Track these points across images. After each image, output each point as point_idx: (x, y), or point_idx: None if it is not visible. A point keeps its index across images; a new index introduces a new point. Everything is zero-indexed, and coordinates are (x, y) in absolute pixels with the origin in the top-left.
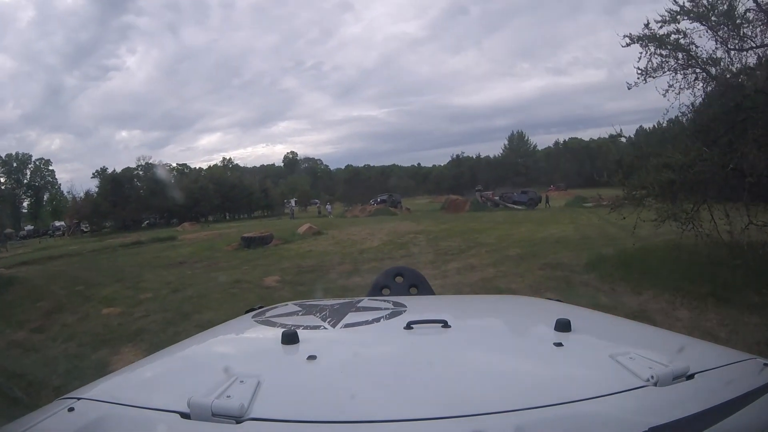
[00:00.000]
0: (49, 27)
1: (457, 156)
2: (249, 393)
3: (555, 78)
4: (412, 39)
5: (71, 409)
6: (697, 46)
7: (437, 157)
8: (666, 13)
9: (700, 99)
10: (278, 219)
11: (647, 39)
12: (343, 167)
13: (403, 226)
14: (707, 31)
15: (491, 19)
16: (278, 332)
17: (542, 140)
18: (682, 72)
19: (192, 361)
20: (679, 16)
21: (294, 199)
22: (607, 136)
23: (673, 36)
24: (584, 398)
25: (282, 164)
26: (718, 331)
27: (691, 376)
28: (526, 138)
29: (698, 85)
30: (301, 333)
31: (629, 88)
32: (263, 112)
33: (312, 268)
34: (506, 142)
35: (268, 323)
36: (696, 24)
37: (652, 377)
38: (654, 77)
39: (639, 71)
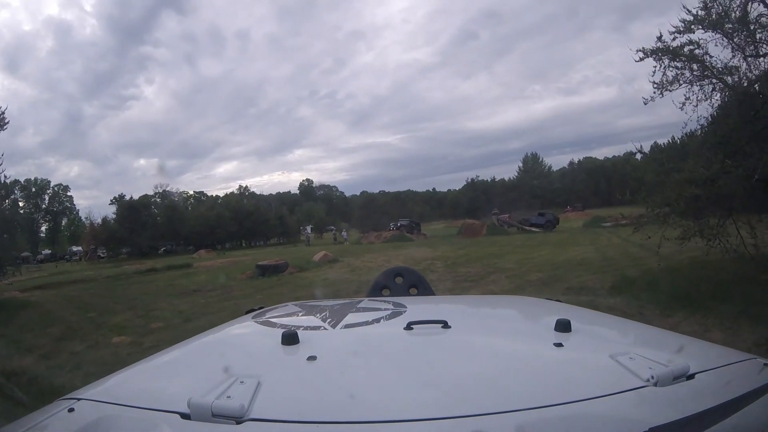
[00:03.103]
0: (68, 56)
1: (472, 180)
2: (249, 393)
3: (566, 98)
4: (423, 66)
5: (71, 410)
6: (711, 56)
7: (452, 182)
8: (680, 24)
9: (718, 110)
10: (294, 246)
11: (661, 52)
12: (358, 194)
13: (419, 252)
14: (722, 39)
15: (501, 43)
16: (278, 333)
17: (556, 161)
18: (698, 84)
19: (192, 362)
20: (693, 26)
21: (310, 226)
22: (621, 154)
23: (687, 47)
24: (584, 398)
25: (298, 191)
26: (756, 351)
27: (691, 377)
28: (540, 159)
29: (715, 96)
30: (301, 333)
31: (645, 103)
32: (279, 141)
33: (327, 297)
34: (521, 164)
35: (268, 324)
36: (710, 33)
37: (652, 377)
38: (670, 90)
39: (654, 85)
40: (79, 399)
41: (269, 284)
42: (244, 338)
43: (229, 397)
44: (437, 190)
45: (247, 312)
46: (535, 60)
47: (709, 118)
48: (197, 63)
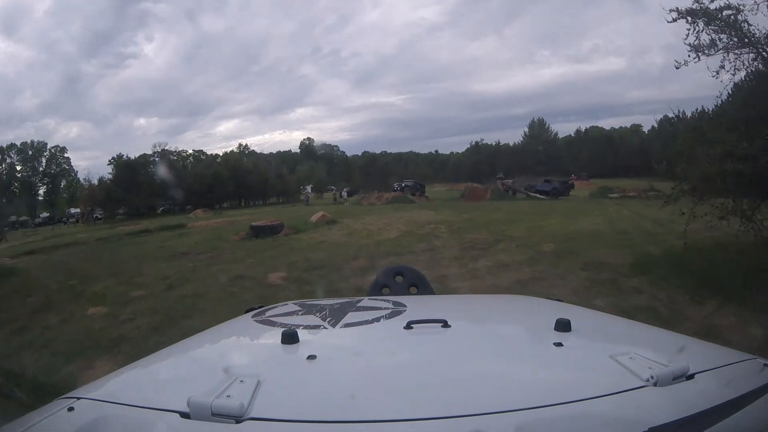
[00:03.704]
0: (66, 16)
1: (476, 143)
2: (249, 393)
3: (575, 66)
4: (430, 25)
5: (71, 409)
6: (749, 24)
7: (455, 145)
8: None
9: (756, 81)
10: (293, 206)
11: (697, 14)
12: (360, 154)
13: (422, 216)
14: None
15: (512, 5)
16: (278, 332)
17: (562, 128)
18: (736, 51)
19: (192, 361)
20: None
21: (310, 185)
22: (628, 126)
23: (725, 11)
24: (584, 398)
25: (299, 150)
26: None
27: (691, 376)
28: (546, 125)
29: (756, 65)
30: (301, 333)
31: (677, 68)
32: (281, 99)
33: (322, 263)
34: (526, 130)
35: (268, 323)
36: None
37: (652, 377)
38: (708, 54)
39: (690, 47)
40: (78, 398)
41: (262, 246)
42: (244, 337)
43: (229, 396)
44: (440, 152)
45: (247, 311)
46: (545, 25)
47: (747, 89)
48: (198, 19)
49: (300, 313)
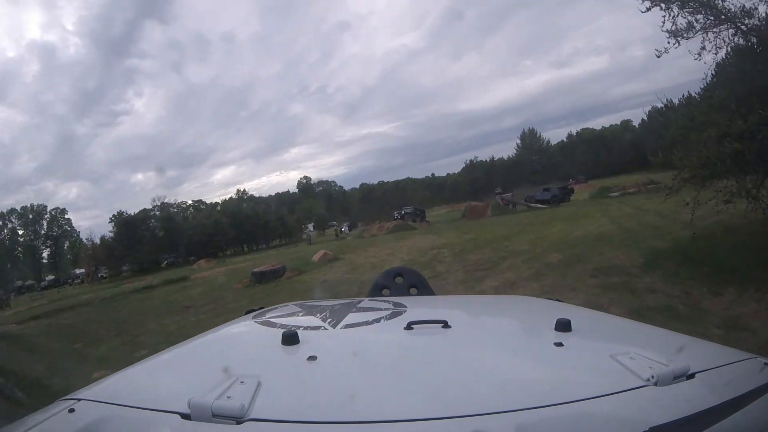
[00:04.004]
0: (55, 78)
1: (471, 161)
2: (249, 393)
3: (558, 71)
4: (411, 51)
5: (72, 410)
6: (723, 0)
7: (450, 165)
8: None
9: (739, 55)
10: (295, 246)
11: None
12: (357, 186)
13: (425, 241)
14: None
15: (488, 20)
16: (278, 333)
17: (554, 134)
18: (713, 30)
19: (192, 362)
20: None
21: (311, 224)
22: (618, 123)
23: None
24: (584, 398)
25: (296, 190)
26: None
27: (691, 376)
28: (538, 134)
29: (737, 40)
30: (302, 333)
31: (658, 56)
32: (274, 141)
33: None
34: (518, 141)
35: (269, 324)
36: None
37: (653, 377)
38: (687, 38)
39: (668, 33)
40: (79, 399)
41: (265, 292)
42: (244, 338)
43: (230, 397)
44: (436, 175)
45: (248, 312)
46: (523, 35)
47: (731, 66)
48: (185, 70)
49: (300, 314)
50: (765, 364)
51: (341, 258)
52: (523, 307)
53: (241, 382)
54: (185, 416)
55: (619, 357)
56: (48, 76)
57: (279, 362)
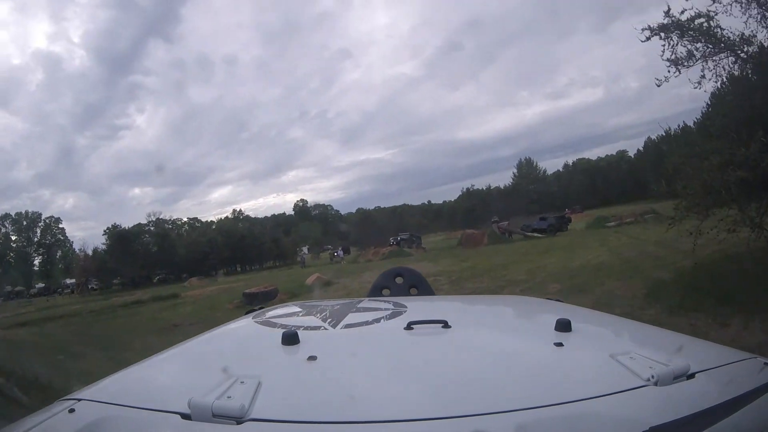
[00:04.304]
0: (58, 89)
1: (467, 189)
2: (249, 394)
3: (554, 102)
4: (410, 79)
5: (72, 410)
6: (722, 29)
7: (447, 193)
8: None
9: (738, 83)
10: (289, 269)
11: (669, 28)
12: (353, 211)
13: (421, 268)
14: (732, 8)
15: (485, 52)
16: (278, 333)
17: (549, 164)
18: (713, 58)
19: (192, 362)
20: None
21: (306, 246)
22: (614, 153)
23: (697, 20)
24: (584, 398)
25: (293, 213)
26: None
27: (691, 376)
28: (534, 164)
29: (736, 68)
30: (302, 333)
31: (659, 85)
32: (272, 163)
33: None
34: (515, 170)
35: (269, 324)
36: (719, 3)
37: (653, 377)
38: (687, 66)
39: (668, 62)
40: (79, 399)
41: None
42: (245, 338)
43: (230, 397)
44: (432, 202)
45: (248, 312)
46: (520, 66)
47: (730, 94)
48: (187, 90)
49: (300, 314)
50: (765, 364)
51: (335, 282)
52: (523, 307)
53: (242, 382)
54: (185, 416)
55: (619, 357)
56: (51, 86)
57: (279, 362)
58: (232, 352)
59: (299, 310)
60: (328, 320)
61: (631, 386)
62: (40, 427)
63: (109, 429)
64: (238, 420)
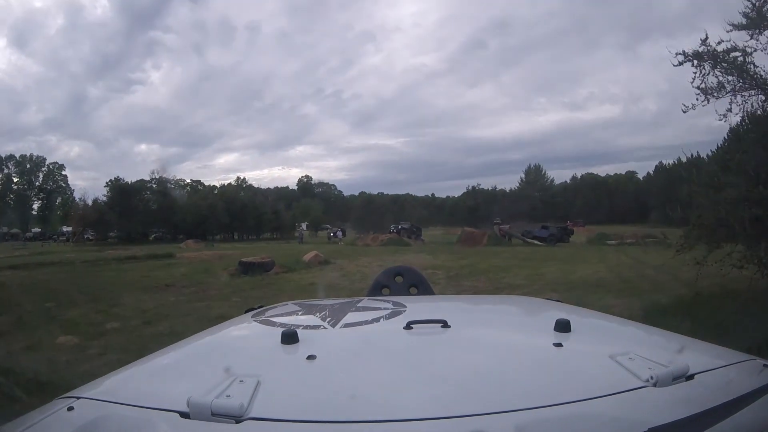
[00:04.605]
0: (77, 36)
1: (473, 188)
2: (249, 392)
3: (571, 113)
4: (430, 71)
5: (70, 408)
6: (756, 66)
7: (452, 189)
8: (726, 26)
9: (759, 122)
10: (287, 243)
11: (704, 56)
12: (356, 194)
13: (418, 260)
14: None
15: (509, 54)
16: (278, 332)
17: (557, 175)
18: (743, 93)
19: (191, 361)
20: (739, 30)
21: (305, 223)
22: (623, 173)
23: (732, 53)
24: (584, 398)
25: (296, 187)
26: None
27: (690, 377)
28: (543, 172)
29: (763, 107)
30: (301, 332)
31: (685, 111)
32: (281, 136)
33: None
34: (522, 176)
35: (268, 323)
36: (756, 41)
37: (652, 378)
38: (716, 97)
39: (698, 90)
40: (78, 398)
41: (250, 285)
42: (244, 337)
43: (229, 396)
44: (436, 195)
45: (247, 311)
46: (542, 73)
47: (752, 131)
48: (205, 52)
49: (300, 313)
50: (764, 365)
51: (332, 262)
52: (523, 307)
53: (241, 381)
54: (184, 415)
55: (618, 358)
56: (70, 32)
57: (278, 361)
58: (231, 351)
59: (298, 309)
60: (328, 319)
61: (630, 387)
62: (39, 426)
63: (108, 427)
64: (237, 419)
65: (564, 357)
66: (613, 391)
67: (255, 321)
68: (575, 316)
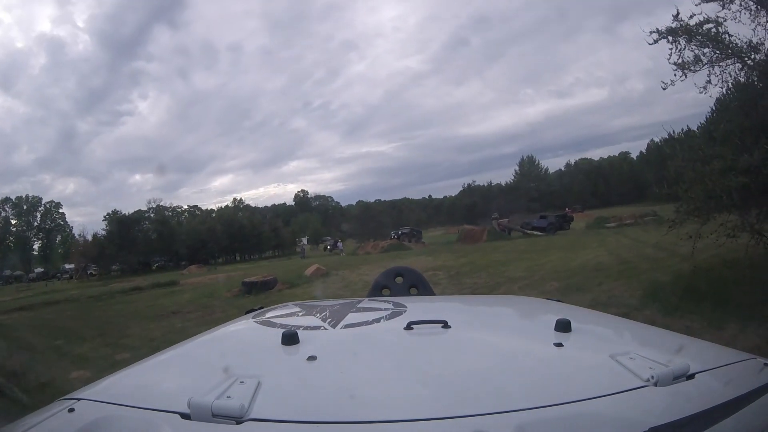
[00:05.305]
0: (61, 73)
1: (468, 185)
2: (249, 393)
3: (559, 101)
4: (415, 73)
5: (71, 410)
6: (730, 35)
7: (448, 188)
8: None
9: (743, 90)
10: (288, 259)
11: (677, 32)
12: (354, 203)
13: (419, 262)
14: (741, 14)
15: (492, 48)
16: (278, 333)
17: (551, 163)
18: (721, 64)
19: (192, 362)
20: (716, 2)
21: (305, 237)
22: (616, 154)
23: (705, 26)
24: (584, 398)
25: (293, 203)
26: None
27: (691, 376)
28: (536, 162)
29: (742, 75)
30: (301, 333)
31: (664, 88)
32: (274, 153)
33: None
34: (517, 168)
35: (269, 324)
36: (727, 10)
37: (652, 377)
38: (694, 71)
39: (675, 66)
40: (79, 399)
41: (254, 303)
42: (244, 338)
43: (229, 397)
44: (433, 196)
45: (248, 312)
46: (526, 64)
47: (735, 100)
48: (190, 77)
49: (300, 314)
50: (765, 364)
51: (334, 274)
52: (523, 307)
53: (241, 382)
54: (185, 416)
55: (618, 357)
56: (54, 70)
57: (279, 362)
58: (232, 352)
59: (299, 310)
60: (328, 320)
61: (630, 386)
62: (40, 427)
63: (109, 429)
64: (238, 420)
65: (564, 357)
66: (614, 391)
67: (255, 322)
68: (575, 316)
